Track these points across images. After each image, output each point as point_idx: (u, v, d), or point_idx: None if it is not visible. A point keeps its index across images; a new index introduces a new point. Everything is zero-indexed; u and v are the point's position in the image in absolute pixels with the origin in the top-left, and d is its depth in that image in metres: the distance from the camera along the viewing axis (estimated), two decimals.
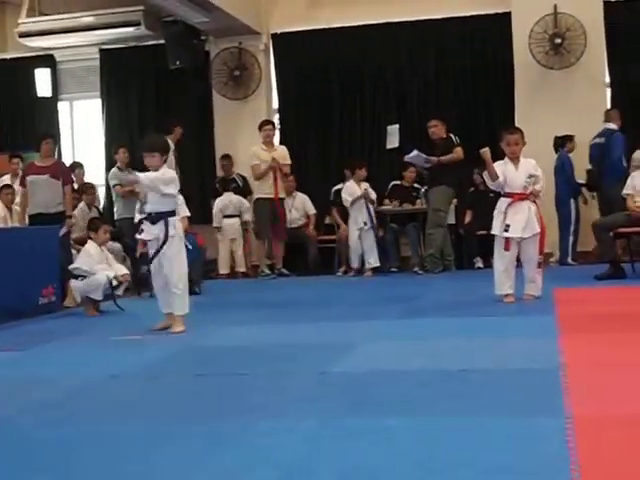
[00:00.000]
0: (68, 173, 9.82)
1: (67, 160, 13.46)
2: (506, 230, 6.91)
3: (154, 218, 6.23)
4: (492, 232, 7.11)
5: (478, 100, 12.25)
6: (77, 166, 12.47)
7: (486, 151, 6.99)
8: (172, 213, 6.28)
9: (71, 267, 8.03)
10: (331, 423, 3.34)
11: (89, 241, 8.18)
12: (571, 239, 10.86)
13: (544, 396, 3.59)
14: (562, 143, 10.78)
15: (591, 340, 5.05)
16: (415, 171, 11.70)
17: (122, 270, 8.11)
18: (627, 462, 2.68)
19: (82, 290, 7.83)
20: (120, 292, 8.28)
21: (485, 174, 7.20)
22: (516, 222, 6.89)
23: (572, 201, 10.88)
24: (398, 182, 11.85)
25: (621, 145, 10.39)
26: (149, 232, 6.27)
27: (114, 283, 7.87)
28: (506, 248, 6.94)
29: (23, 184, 9.57)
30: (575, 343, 4.91)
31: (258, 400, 3.86)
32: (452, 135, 10.70)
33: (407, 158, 10.81)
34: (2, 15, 13.97)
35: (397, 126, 12.18)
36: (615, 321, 5.76)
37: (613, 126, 10.52)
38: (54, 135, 10.61)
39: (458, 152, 10.46)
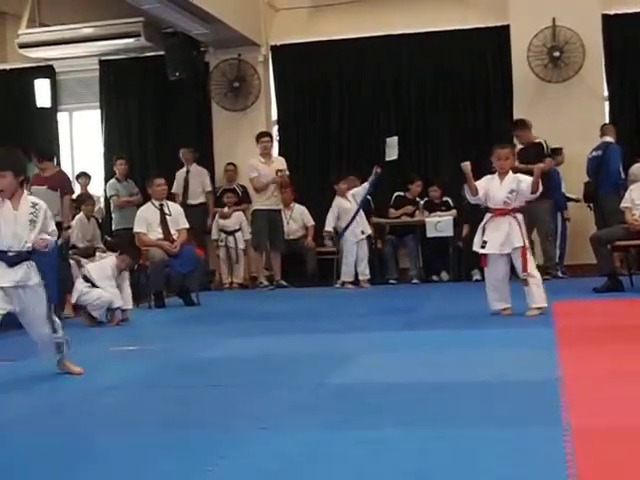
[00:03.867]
0: (68, 183, 9.80)
1: (66, 171, 13.51)
2: (482, 246, 6.90)
3: (12, 259, 4.81)
4: (473, 248, 7.11)
5: (476, 112, 12.27)
6: (81, 175, 12.55)
7: (467, 165, 6.96)
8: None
9: (83, 269, 8.20)
10: (328, 434, 3.34)
11: (112, 257, 8.20)
12: (557, 252, 10.86)
13: (542, 408, 3.59)
14: (550, 156, 10.75)
15: (589, 352, 5.05)
16: (422, 186, 11.72)
17: (128, 305, 7.95)
18: (625, 474, 2.68)
19: (83, 300, 7.81)
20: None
21: (466, 188, 7.18)
22: (494, 238, 6.84)
23: (558, 215, 10.89)
24: (402, 193, 11.87)
25: (618, 157, 10.40)
26: (5, 277, 4.82)
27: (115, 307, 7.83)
28: (482, 264, 6.95)
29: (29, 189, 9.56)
30: (573, 355, 4.91)
31: (254, 411, 3.86)
32: (544, 142, 10.53)
33: None
34: (2, 26, 13.98)
35: (396, 138, 12.19)
36: (614, 334, 5.75)
37: (610, 139, 10.54)
38: (52, 153, 10.54)
39: (547, 163, 10.36)
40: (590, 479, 2.64)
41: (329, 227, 11.12)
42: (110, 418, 3.91)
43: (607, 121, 11.40)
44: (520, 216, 7.01)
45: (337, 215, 11.06)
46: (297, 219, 12.01)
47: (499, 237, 6.84)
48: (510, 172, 7.02)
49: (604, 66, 11.66)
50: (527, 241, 7.05)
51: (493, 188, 6.96)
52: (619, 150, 10.46)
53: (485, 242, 6.86)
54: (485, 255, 6.90)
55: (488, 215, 6.97)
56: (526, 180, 6.93)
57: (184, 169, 12.10)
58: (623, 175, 10.42)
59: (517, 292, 6.96)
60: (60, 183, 9.48)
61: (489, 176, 7.12)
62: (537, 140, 10.53)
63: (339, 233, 11.15)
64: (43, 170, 9.45)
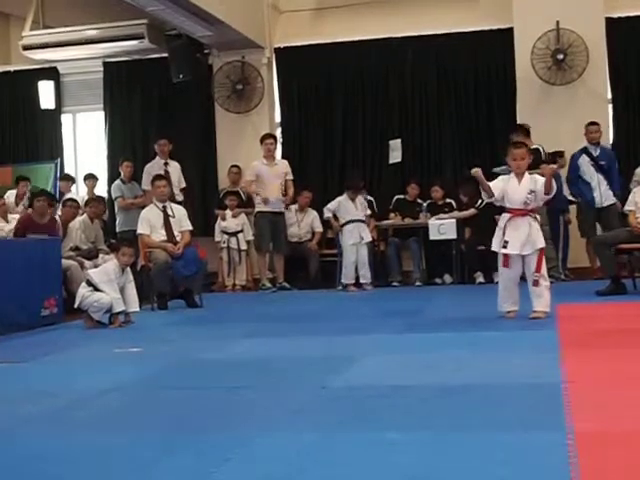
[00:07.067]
0: (58, 228, 9.70)
1: (70, 171, 13.53)
2: (504, 247, 6.87)
3: None
4: (492, 249, 7.08)
5: (480, 115, 12.28)
6: (88, 177, 12.59)
7: (477, 171, 6.95)
8: None
9: (86, 274, 8.25)
10: (331, 436, 3.34)
11: (113, 259, 8.19)
12: (560, 255, 10.86)
13: (546, 411, 3.58)
14: (552, 159, 10.73)
15: (593, 355, 5.04)
16: (418, 188, 11.73)
17: (133, 307, 7.96)
18: (628, 478, 2.68)
19: (85, 304, 7.81)
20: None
21: (483, 192, 7.16)
22: (515, 238, 6.81)
23: (561, 217, 10.90)
24: (402, 196, 11.88)
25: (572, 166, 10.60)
26: None
27: (117, 310, 7.83)
28: (504, 264, 6.91)
29: (20, 234, 9.18)
30: (577, 358, 4.90)
31: (258, 413, 3.86)
32: (541, 149, 10.44)
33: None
34: (6, 28, 14.02)
35: (399, 140, 12.21)
36: (617, 337, 5.76)
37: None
38: (51, 194, 10.42)
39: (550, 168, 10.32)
40: None
41: (328, 214, 11.06)
42: (112, 420, 3.91)
43: (610, 124, 11.40)
44: (539, 217, 7.01)
45: (335, 208, 11.01)
46: (307, 223, 12.02)
47: (520, 238, 6.81)
48: (527, 172, 6.99)
49: (607, 69, 11.67)
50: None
51: (511, 188, 6.93)
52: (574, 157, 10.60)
53: (506, 242, 6.84)
54: (506, 255, 6.88)
55: (506, 216, 6.94)
56: (542, 181, 6.88)
57: (158, 162, 11.58)
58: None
59: (521, 295, 6.97)
60: (55, 231, 9.41)
61: (505, 176, 7.11)
62: (534, 146, 10.51)
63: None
64: (40, 215, 9.30)
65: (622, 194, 10.00)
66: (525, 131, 10.58)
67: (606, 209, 10.42)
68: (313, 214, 12.06)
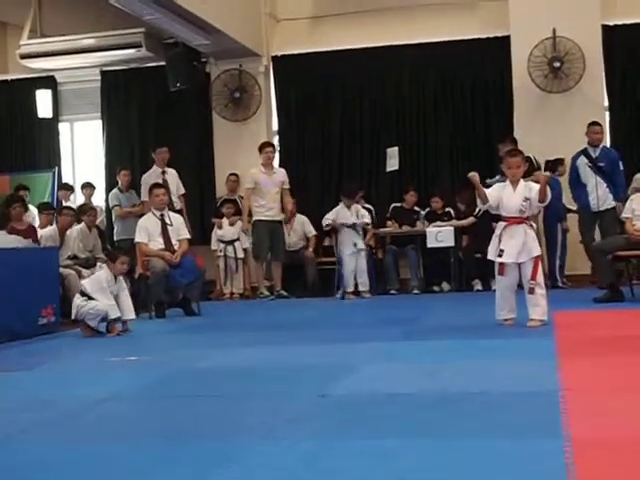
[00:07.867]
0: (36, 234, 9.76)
1: (67, 180, 13.54)
2: (500, 255, 6.87)
3: None
4: (488, 257, 7.08)
5: (477, 123, 12.31)
6: (86, 186, 12.58)
7: (474, 175, 6.94)
8: None
9: (80, 284, 8.22)
10: (330, 444, 3.34)
11: (105, 268, 8.17)
12: (558, 262, 10.87)
13: (543, 418, 3.58)
14: (553, 167, 10.75)
15: (590, 363, 5.04)
16: (416, 195, 11.75)
17: (128, 315, 7.93)
18: None
19: (81, 313, 7.79)
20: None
21: (478, 198, 7.17)
22: (510, 247, 6.79)
23: (559, 225, 10.91)
24: (399, 204, 11.89)
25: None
26: None
27: (113, 317, 7.81)
28: (500, 273, 6.90)
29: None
30: (574, 366, 4.90)
31: (256, 421, 3.86)
32: (533, 157, 10.44)
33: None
34: (3, 36, 14.04)
35: (396, 148, 12.23)
36: (614, 344, 5.75)
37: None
38: (23, 199, 10.49)
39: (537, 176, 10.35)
40: None
41: (327, 222, 11.00)
42: (110, 428, 3.90)
43: (607, 131, 11.42)
44: (535, 225, 7.01)
45: (334, 217, 10.96)
46: (297, 230, 12.01)
47: (515, 246, 6.80)
48: (522, 180, 7.00)
49: (604, 76, 11.69)
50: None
51: (506, 196, 6.92)
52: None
53: (502, 251, 6.83)
54: (502, 264, 6.88)
55: (502, 224, 6.94)
56: (536, 188, 6.87)
57: (156, 171, 11.43)
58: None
59: (518, 302, 6.97)
60: (35, 237, 9.45)
61: (501, 184, 7.12)
62: (525, 155, 10.53)
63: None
64: (17, 221, 9.33)
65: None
66: (513, 141, 10.59)
67: (604, 213, 10.29)
68: (302, 219, 12.04)
